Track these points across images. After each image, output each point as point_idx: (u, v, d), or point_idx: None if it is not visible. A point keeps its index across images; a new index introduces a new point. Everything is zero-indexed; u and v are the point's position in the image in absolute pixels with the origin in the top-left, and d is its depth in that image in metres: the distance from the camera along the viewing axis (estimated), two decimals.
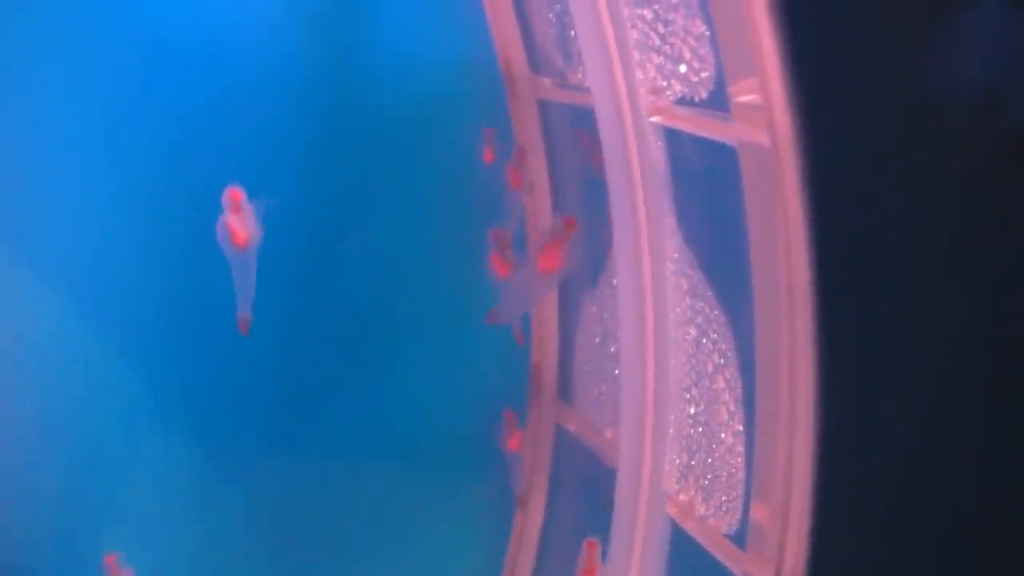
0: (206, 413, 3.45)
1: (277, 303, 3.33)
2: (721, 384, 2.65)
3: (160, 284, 3.30)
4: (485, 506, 3.65)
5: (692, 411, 2.81)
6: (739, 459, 2.57)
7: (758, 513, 2.41)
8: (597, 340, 3.40)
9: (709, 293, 2.68)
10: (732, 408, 2.60)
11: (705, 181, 2.60)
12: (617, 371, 3.05)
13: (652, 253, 2.85)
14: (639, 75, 2.77)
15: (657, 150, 2.79)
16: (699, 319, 2.75)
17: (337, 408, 3.52)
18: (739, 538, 2.55)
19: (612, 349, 3.25)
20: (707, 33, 2.45)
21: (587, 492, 3.43)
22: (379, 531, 3.53)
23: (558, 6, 3.21)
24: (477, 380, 3.55)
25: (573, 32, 3.05)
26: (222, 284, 3.04)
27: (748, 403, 2.50)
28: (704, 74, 2.51)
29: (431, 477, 3.51)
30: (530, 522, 3.74)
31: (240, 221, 2.88)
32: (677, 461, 2.87)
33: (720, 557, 2.63)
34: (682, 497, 2.84)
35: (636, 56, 2.76)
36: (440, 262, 3.51)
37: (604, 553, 3.00)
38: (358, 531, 3.57)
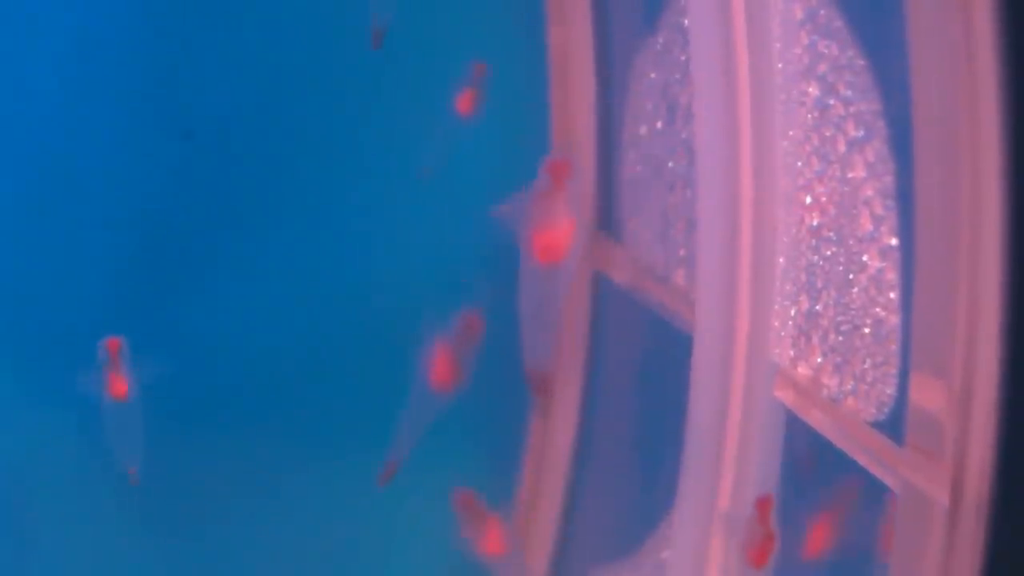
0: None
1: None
2: (860, 171, 2.27)
3: None
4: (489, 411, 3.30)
5: (814, 222, 2.41)
6: (892, 296, 2.20)
7: (923, 389, 1.97)
8: (659, 125, 2.94)
9: (838, 23, 2.32)
10: (879, 210, 2.21)
11: None
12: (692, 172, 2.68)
13: None
14: None
15: None
16: (823, 67, 2.36)
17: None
18: (893, 428, 2.16)
19: (684, 135, 2.78)
20: None
21: (646, 375, 3.13)
22: (375, 436, 3.16)
23: None
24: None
25: None
26: None
27: (904, 201, 2.10)
28: None
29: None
30: (555, 432, 3.35)
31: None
32: (792, 310, 2.50)
33: (863, 459, 2.23)
34: (801, 369, 2.49)
35: None
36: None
37: (679, 467, 2.65)
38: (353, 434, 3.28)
